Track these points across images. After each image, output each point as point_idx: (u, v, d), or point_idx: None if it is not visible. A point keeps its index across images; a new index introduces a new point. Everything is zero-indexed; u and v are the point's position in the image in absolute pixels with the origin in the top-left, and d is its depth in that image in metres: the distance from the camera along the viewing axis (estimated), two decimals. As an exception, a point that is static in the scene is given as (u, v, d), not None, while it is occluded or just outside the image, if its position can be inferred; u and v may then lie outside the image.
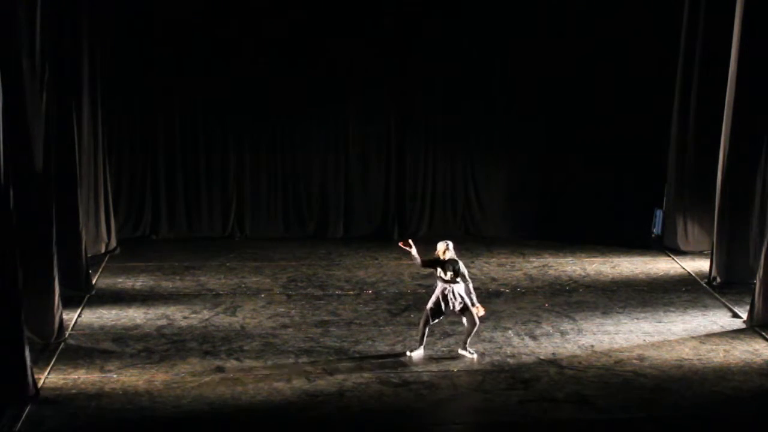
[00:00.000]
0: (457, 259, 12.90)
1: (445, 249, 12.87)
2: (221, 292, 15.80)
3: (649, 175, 19.17)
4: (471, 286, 12.97)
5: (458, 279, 12.84)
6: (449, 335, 13.66)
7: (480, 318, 12.97)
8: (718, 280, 16.09)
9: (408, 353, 13.06)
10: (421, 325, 13.06)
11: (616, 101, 18.90)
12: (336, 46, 18.77)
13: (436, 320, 13.05)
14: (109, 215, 17.98)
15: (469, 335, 13.04)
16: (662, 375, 12.41)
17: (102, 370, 12.45)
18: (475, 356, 13.01)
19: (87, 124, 17.03)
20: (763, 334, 13.80)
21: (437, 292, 12.94)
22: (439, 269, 12.90)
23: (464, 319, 12.97)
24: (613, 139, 19.02)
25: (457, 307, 12.86)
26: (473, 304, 12.85)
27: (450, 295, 12.84)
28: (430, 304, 12.97)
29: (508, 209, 19.65)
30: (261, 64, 18.71)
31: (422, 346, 13.06)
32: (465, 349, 13.05)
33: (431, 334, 13.66)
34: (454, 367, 12.67)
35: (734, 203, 15.98)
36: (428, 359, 12.88)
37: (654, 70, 18.62)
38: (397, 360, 12.84)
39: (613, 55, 18.76)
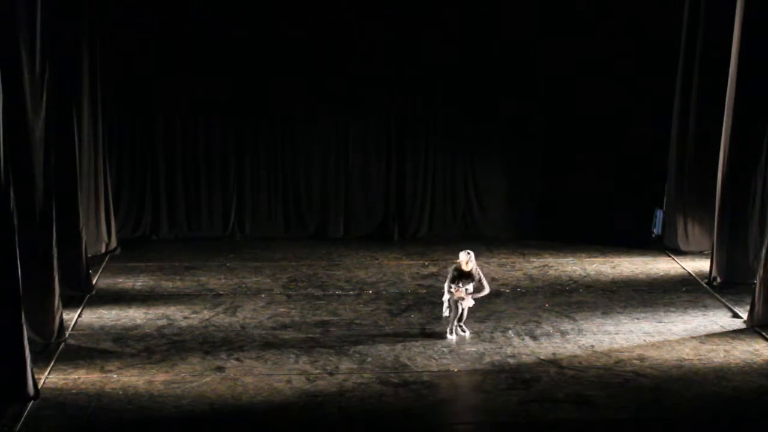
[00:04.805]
0: (477, 269, 13.46)
1: (467, 260, 13.36)
2: (221, 292, 15.79)
3: (649, 175, 19.17)
4: (485, 292, 13.58)
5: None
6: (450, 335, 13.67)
7: (462, 305, 13.46)
8: (718, 280, 16.09)
9: (448, 336, 13.56)
10: (451, 316, 13.55)
11: (617, 101, 18.90)
12: (336, 46, 18.77)
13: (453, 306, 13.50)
14: (110, 215, 17.98)
15: (463, 319, 13.62)
16: (662, 375, 12.41)
17: (102, 370, 12.45)
18: (467, 333, 13.56)
19: (87, 124, 17.03)
20: (763, 334, 13.80)
21: (446, 291, 13.49)
22: (460, 281, 13.35)
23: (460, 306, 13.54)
24: (614, 139, 19.04)
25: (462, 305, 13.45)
26: (468, 292, 13.37)
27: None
28: (445, 310, 13.53)
29: (508, 209, 19.65)
30: (261, 64, 18.70)
31: (455, 330, 13.58)
32: (460, 326, 13.63)
33: (432, 334, 13.70)
34: (454, 367, 12.68)
35: (734, 203, 15.98)
36: (428, 359, 12.89)
37: (654, 70, 18.62)
38: (397, 360, 12.85)
39: (613, 55, 18.76)
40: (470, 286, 13.38)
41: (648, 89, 18.73)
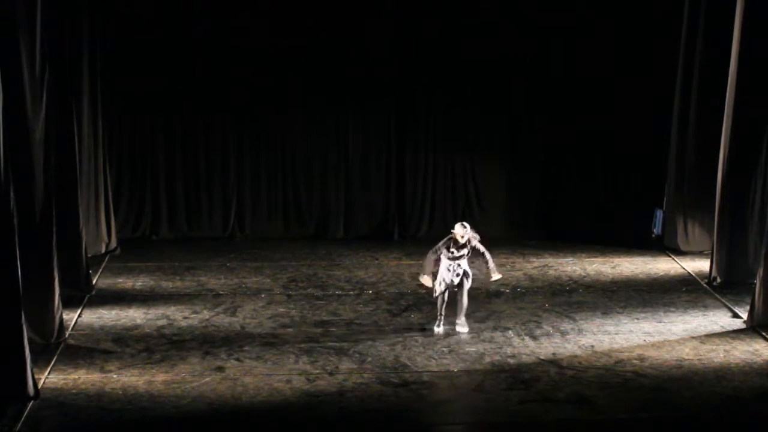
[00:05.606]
0: (474, 236, 13.54)
1: (463, 234, 13.42)
2: (221, 292, 15.80)
3: (649, 175, 19.17)
4: (488, 256, 13.63)
5: (467, 255, 13.52)
6: (449, 335, 13.67)
7: (496, 281, 13.97)
8: (718, 280, 16.09)
9: (435, 329, 13.73)
10: (438, 303, 13.73)
11: (616, 101, 18.90)
12: (336, 46, 18.78)
13: (447, 293, 13.64)
14: (110, 215, 17.97)
15: (463, 311, 13.69)
16: (662, 375, 12.41)
17: (102, 370, 12.45)
18: (466, 329, 13.65)
19: (87, 124, 17.03)
20: (764, 334, 13.79)
21: (443, 267, 13.55)
22: (452, 248, 13.47)
23: (458, 295, 13.67)
24: (614, 139, 19.05)
25: (456, 281, 13.55)
26: (493, 271, 13.67)
27: (455, 269, 13.52)
28: (439, 286, 13.61)
29: (508, 209, 19.66)
30: (261, 64, 18.70)
31: (442, 323, 13.74)
32: (460, 323, 13.72)
33: (431, 333, 13.70)
34: (454, 367, 12.68)
35: (734, 203, 15.97)
36: (428, 359, 12.89)
37: (654, 69, 18.62)
38: (397, 360, 12.85)
39: (613, 55, 18.77)
40: (491, 262, 13.60)
41: (648, 89, 18.73)
